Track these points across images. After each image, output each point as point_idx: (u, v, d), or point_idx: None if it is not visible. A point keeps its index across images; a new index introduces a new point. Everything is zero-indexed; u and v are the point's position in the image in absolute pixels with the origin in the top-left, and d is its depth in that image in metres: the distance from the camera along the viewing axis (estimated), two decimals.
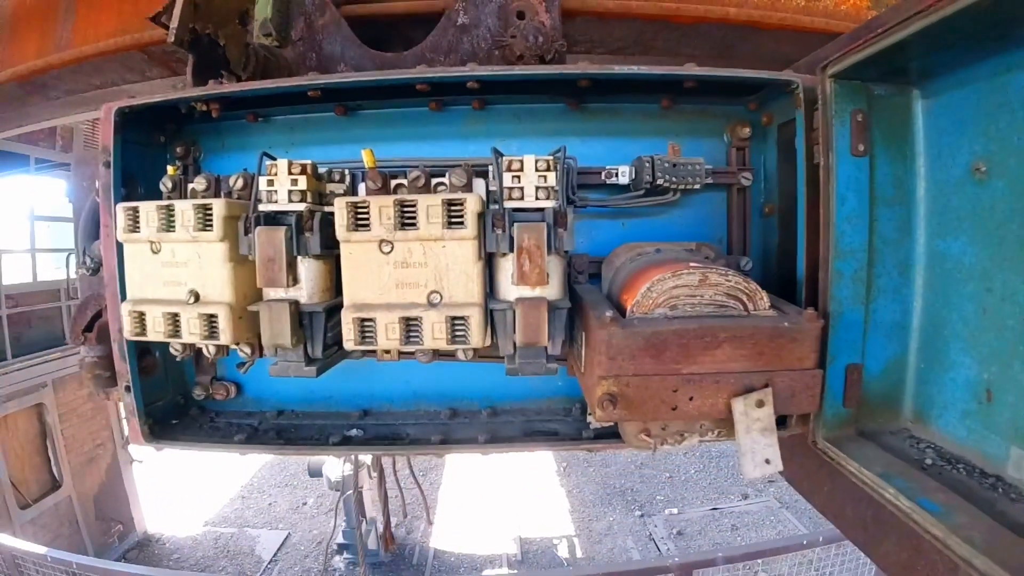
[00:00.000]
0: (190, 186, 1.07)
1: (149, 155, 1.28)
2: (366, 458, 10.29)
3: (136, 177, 1.21)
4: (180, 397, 1.36)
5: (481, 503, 12.10)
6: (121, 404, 1.39)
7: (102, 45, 2.41)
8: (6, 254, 10.08)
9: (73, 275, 11.03)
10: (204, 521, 11.72)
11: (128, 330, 1.02)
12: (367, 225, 0.91)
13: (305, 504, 12.59)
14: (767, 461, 0.88)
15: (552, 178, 0.94)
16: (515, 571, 8.76)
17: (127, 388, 1.18)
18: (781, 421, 1.11)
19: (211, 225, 0.93)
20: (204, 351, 1.06)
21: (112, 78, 2.68)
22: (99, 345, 1.35)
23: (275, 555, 10.72)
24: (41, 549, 5.79)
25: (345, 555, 10.28)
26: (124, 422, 11.35)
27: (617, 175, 1.17)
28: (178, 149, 1.31)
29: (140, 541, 10.66)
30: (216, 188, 1.06)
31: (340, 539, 10.70)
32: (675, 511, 11.09)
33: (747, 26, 2.13)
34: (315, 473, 10.48)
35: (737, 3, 2.11)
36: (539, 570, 8.30)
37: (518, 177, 0.95)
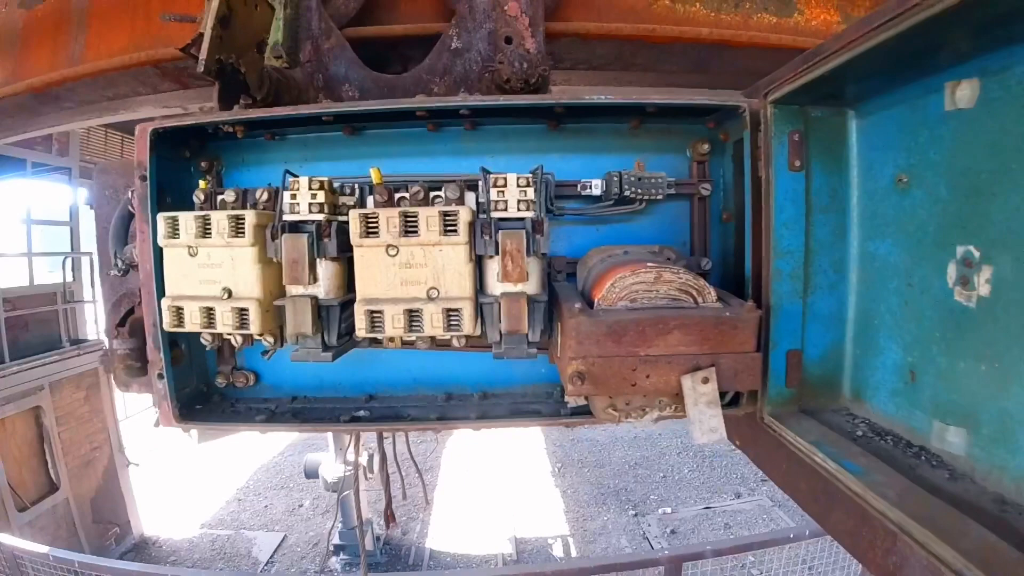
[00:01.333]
0: (220, 198, 1.25)
1: (175, 168, 1.45)
2: (363, 459, 10.41)
3: (164, 187, 1.38)
4: (203, 385, 1.53)
5: (477, 504, 12.24)
6: (128, 398, 1.57)
7: (116, 61, 2.55)
8: (2, 258, 10.20)
9: (70, 278, 11.12)
10: (200, 523, 11.82)
11: (167, 322, 1.20)
12: (376, 233, 1.10)
13: (301, 506, 12.70)
14: (712, 429, 1.06)
15: (531, 192, 1.13)
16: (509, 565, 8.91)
17: (159, 375, 1.35)
18: (735, 401, 1.29)
19: (243, 232, 1.12)
20: (231, 341, 1.24)
21: (124, 90, 2.84)
22: (131, 339, 1.51)
23: (272, 557, 10.84)
24: (43, 548, 5.92)
25: (342, 556, 10.42)
26: (121, 425, 11.45)
27: (590, 187, 1.35)
28: (202, 164, 1.48)
29: (137, 544, 10.77)
30: (243, 200, 1.23)
31: (337, 540, 10.84)
32: (669, 510, 11.27)
33: (720, 44, 2.32)
34: (311, 474, 10.60)
35: (709, 24, 2.30)
36: (532, 564, 8.45)
37: (502, 192, 1.14)
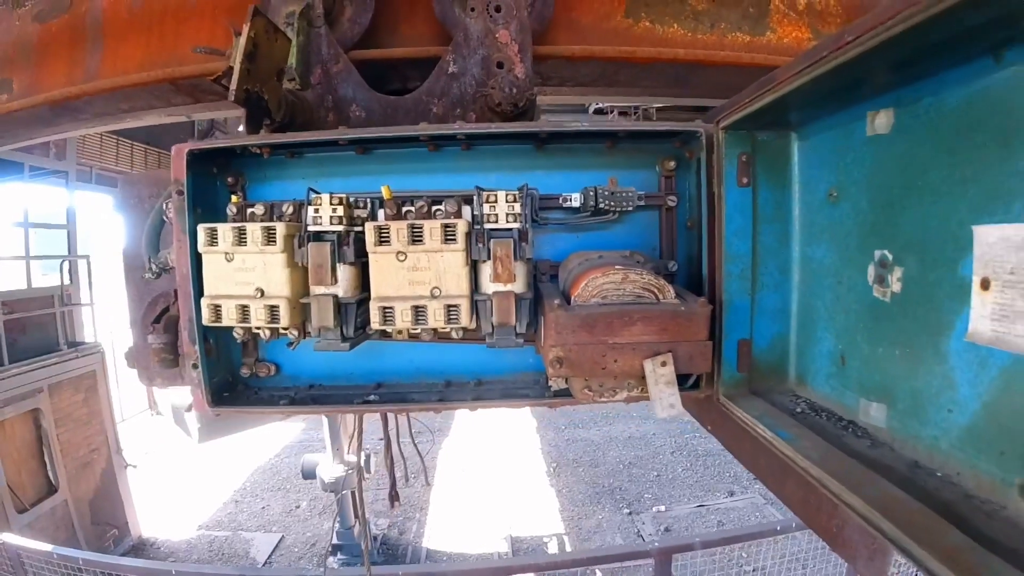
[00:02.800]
0: (250, 210, 1.46)
1: (204, 183, 1.65)
2: (360, 459, 10.55)
3: (194, 199, 1.59)
4: (229, 376, 1.74)
5: (473, 503, 12.42)
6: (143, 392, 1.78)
7: (135, 78, 2.73)
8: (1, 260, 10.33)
9: (67, 281, 11.24)
10: (198, 525, 11.96)
11: (207, 318, 1.41)
12: (388, 241, 1.32)
13: (298, 507, 12.84)
14: (671, 405, 1.28)
15: (518, 207, 1.35)
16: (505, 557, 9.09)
17: (194, 366, 1.56)
18: (696, 384, 1.52)
19: (275, 241, 1.33)
20: (261, 334, 1.45)
21: (139, 104, 3.03)
22: (165, 334, 1.72)
23: (269, 557, 11.00)
24: (47, 546, 6.10)
25: (339, 556, 10.59)
26: (119, 427, 11.60)
27: (571, 200, 1.57)
28: (229, 179, 1.70)
29: (135, 545, 10.91)
30: (270, 212, 1.45)
31: (335, 540, 11.00)
32: (662, 508, 11.49)
33: (696, 63, 2.54)
34: (309, 475, 10.77)
35: (686, 44, 2.52)
36: (527, 555, 8.65)
37: (493, 206, 1.36)
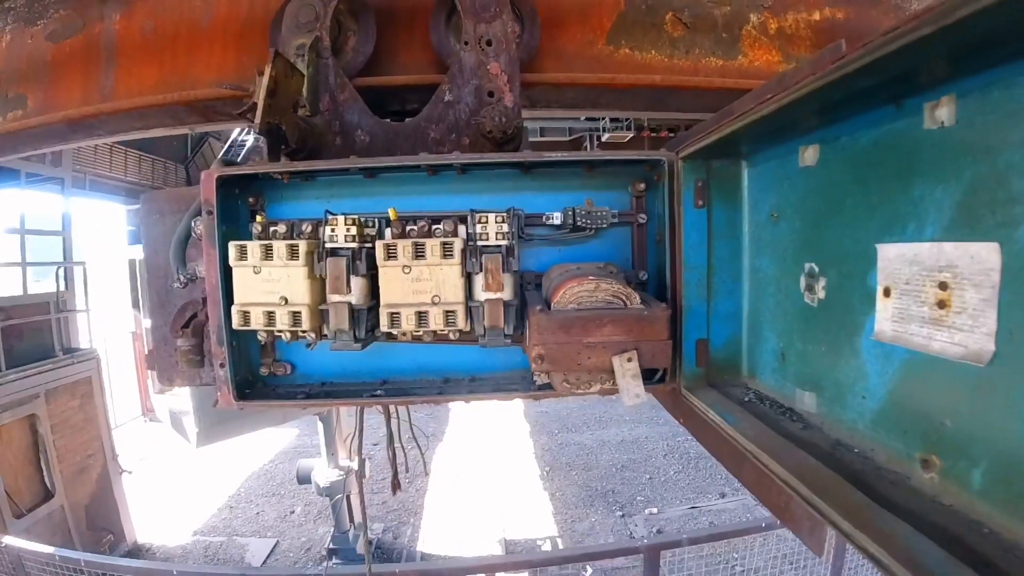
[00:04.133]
0: (272, 228, 1.69)
1: (227, 202, 1.88)
2: (354, 464, 10.76)
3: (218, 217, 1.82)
4: (249, 375, 1.96)
5: (467, 507, 12.60)
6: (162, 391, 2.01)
7: (151, 99, 2.92)
8: None
9: (63, 288, 11.37)
10: (193, 530, 12.12)
11: (236, 323, 1.64)
12: (395, 257, 1.55)
13: (293, 512, 13.00)
14: (637, 395, 1.51)
15: (505, 227, 1.59)
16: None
17: (222, 365, 1.78)
18: (662, 378, 1.75)
19: (297, 256, 1.56)
20: (283, 337, 1.68)
21: (153, 122, 3.24)
22: (193, 338, 1.95)
23: (265, 562, 11.15)
24: (48, 548, 6.27)
25: (335, 560, 10.76)
26: (115, 432, 11.74)
27: (553, 218, 1.81)
28: (250, 199, 1.93)
29: (130, 551, 11.06)
30: (291, 230, 1.68)
31: (330, 544, 11.19)
32: (655, 511, 11.73)
33: (672, 88, 2.79)
34: (304, 480, 10.95)
35: (663, 70, 2.76)
36: (520, 553, 8.86)
37: (485, 226, 1.60)
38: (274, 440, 16.19)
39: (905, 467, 1.18)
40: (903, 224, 1.15)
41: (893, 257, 1.17)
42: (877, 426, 1.26)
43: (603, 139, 17.67)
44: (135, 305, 15.22)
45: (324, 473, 10.37)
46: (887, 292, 1.19)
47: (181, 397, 8.36)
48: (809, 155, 1.44)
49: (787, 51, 3.05)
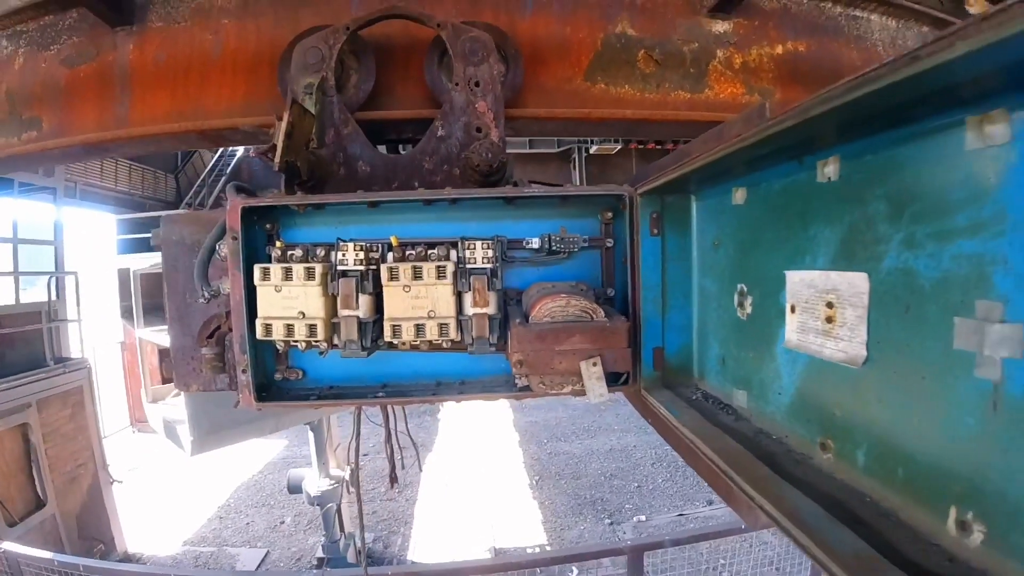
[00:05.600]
0: (290, 252, 2.01)
1: (247, 228, 2.18)
2: (345, 473, 11.00)
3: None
4: (266, 380, 2.27)
5: (457, 516, 12.80)
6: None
7: (166, 127, 3.16)
8: None
9: (55, 297, 11.53)
10: (183, 541, 12.28)
11: (259, 334, 1.95)
12: (397, 278, 1.87)
13: (283, 523, 13.16)
14: (600, 395, 1.83)
15: (490, 252, 1.92)
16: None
17: (243, 371, 2.09)
18: (625, 381, 2.08)
19: (313, 277, 1.87)
20: (298, 346, 1.99)
21: (166, 146, 3.52)
22: (216, 347, 2.25)
23: (255, 572, 11.31)
24: (47, 554, 6.48)
25: (325, 569, 10.95)
26: (108, 441, 11.89)
27: (532, 243, 2.14)
28: (267, 226, 2.24)
29: (121, 560, 11.19)
30: (306, 254, 1.99)
31: (320, 553, 11.38)
32: (643, 518, 12.02)
33: (643, 121, 3.13)
34: (295, 489, 11.16)
35: (634, 104, 3.09)
36: (509, 555, 9.12)
37: (472, 251, 1.93)
38: (263, 451, 16.38)
39: (809, 449, 1.48)
40: (803, 255, 1.48)
41: (796, 281, 1.50)
42: (789, 417, 1.58)
43: (591, 151, 18.09)
44: (125, 315, 15.40)
45: (315, 482, 10.59)
46: (793, 309, 1.51)
47: (175, 407, 8.59)
48: (739, 195, 1.77)
49: (751, 83, 3.37)
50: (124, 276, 14.16)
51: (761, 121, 1.44)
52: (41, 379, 10.09)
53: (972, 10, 4.30)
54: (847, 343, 1.29)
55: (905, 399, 1.15)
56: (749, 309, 1.74)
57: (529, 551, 11.09)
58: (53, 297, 11.16)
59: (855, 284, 1.27)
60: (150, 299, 12.49)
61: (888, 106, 1.06)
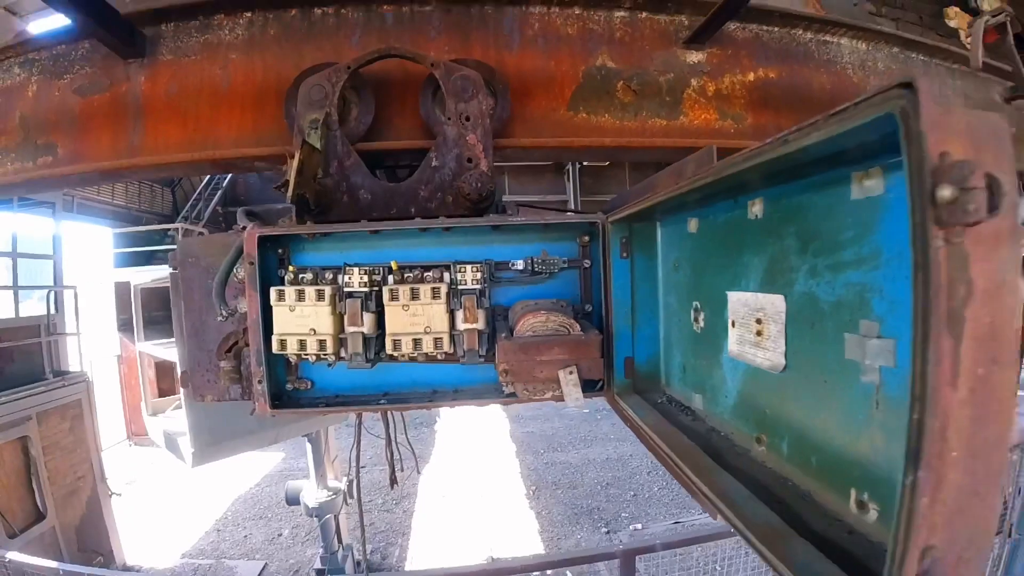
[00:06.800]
0: (301, 275, 2.30)
1: (260, 253, 2.47)
2: (343, 485, 11.21)
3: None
4: (278, 389, 2.56)
5: (454, 527, 12.98)
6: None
7: (180, 157, 3.39)
8: None
9: (53, 311, 11.77)
10: (181, 553, 12.45)
11: (275, 348, 2.24)
12: (397, 298, 2.17)
13: (280, 535, 13.32)
14: (576, 399, 2.12)
15: (479, 274, 2.23)
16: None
17: (260, 381, 2.38)
18: (601, 388, 2.37)
19: (324, 298, 2.17)
20: (309, 359, 2.29)
21: (178, 172, 3.83)
22: (234, 360, 2.54)
23: None
24: (52, 564, 6.70)
25: None
26: (105, 454, 12.10)
27: (517, 265, 2.44)
28: (279, 250, 2.54)
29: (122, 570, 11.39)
30: (316, 277, 2.29)
31: (317, 564, 11.57)
32: (639, 526, 12.25)
33: (622, 147, 3.44)
34: (292, 501, 11.36)
35: (613, 132, 3.39)
36: (503, 561, 9.33)
37: (463, 274, 2.24)
38: (260, 464, 16.58)
39: (748, 443, 1.73)
40: (740, 279, 1.77)
41: (735, 301, 1.79)
42: (733, 416, 1.87)
43: (583, 163, 18.46)
44: (122, 328, 15.65)
45: (313, 493, 10.81)
46: (733, 324, 1.80)
47: (176, 419, 8.85)
48: (693, 225, 2.07)
49: (723, 110, 3.66)
50: (121, 289, 14.42)
51: (710, 161, 1.75)
52: (41, 392, 10.33)
53: (951, 23, 4.62)
54: (771, 353, 1.55)
55: (814, 399, 1.40)
56: (702, 323, 2.03)
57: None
58: (52, 311, 11.42)
59: (775, 304, 1.53)
60: (148, 313, 12.77)
61: (792, 164, 1.36)
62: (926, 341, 0.79)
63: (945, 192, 0.75)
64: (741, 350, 1.76)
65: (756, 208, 1.66)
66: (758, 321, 1.65)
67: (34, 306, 12.03)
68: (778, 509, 1.36)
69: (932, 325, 0.79)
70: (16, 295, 10.97)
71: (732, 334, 1.81)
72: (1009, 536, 9.06)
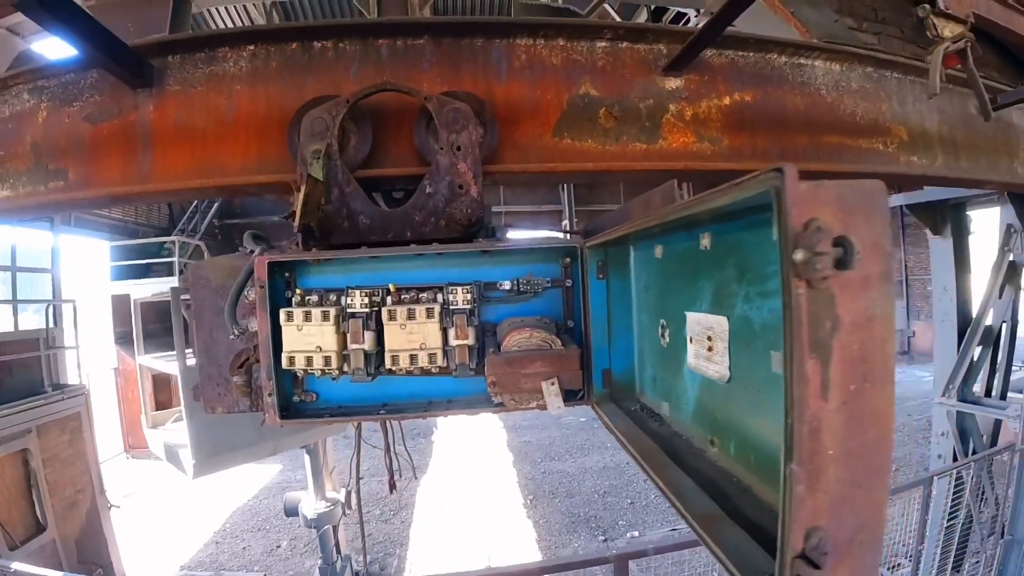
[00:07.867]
0: (307, 297, 2.59)
1: (269, 277, 2.75)
2: (341, 495, 11.44)
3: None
4: (284, 401, 2.83)
5: (452, 537, 13.18)
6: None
7: (189, 183, 3.61)
8: None
9: (52, 325, 11.99)
10: (180, 565, 12.66)
11: (285, 364, 2.52)
12: (395, 318, 2.46)
13: (279, 547, 13.52)
14: (558, 407, 2.40)
15: (469, 296, 2.52)
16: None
17: (270, 394, 2.65)
18: (582, 398, 2.65)
19: (328, 319, 2.45)
20: (315, 374, 2.57)
21: (186, 196, 4.09)
22: (245, 375, 2.82)
23: None
24: (57, 574, 6.93)
25: None
26: (103, 467, 12.31)
27: (504, 285, 2.73)
28: (286, 273, 2.82)
29: None
30: (320, 298, 2.58)
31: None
32: (636, 534, 12.48)
33: (604, 171, 3.72)
34: (291, 512, 11.59)
35: (596, 157, 3.67)
36: (498, 567, 9.55)
37: (455, 295, 2.52)
38: (258, 476, 16.79)
39: (704, 445, 1.96)
40: (695, 301, 2.04)
41: (692, 320, 2.07)
42: (693, 421, 2.14)
43: None
44: (119, 341, 15.89)
45: (311, 504, 11.04)
46: (691, 340, 2.08)
47: (176, 431, 9.10)
48: (659, 251, 2.35)
49: (700, 133, 3.92)
50: (118, 303, 14.67)
51: (671, 194, 2.04)
52: (40, 405, 10.56)
53: (932, 35, 4.90)
54: (719, 366, 1.78)
55: (751, 406, 1.61)
56: (668, 339, 2.31)
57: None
58: (51, 324, 11.66)
59: (721, 324, 1.77)
60: (145, 326, 13.02)
61: (725, 212, 1.64)
62: (792, 363, 1.07)
63: (798, 255, 1.04)
64: (697, 363, 2.03)
65: (706, 240, 1.94)
66: (709, 338, 1.92)
67: (33, 319, 12.30)
68: (721, 501, 1.57)
69: (796, 350, 1.07)
70: (15, 309, 11.22)
71: (690, 349, 2.08)
72: (1002, 536, 9.34)
